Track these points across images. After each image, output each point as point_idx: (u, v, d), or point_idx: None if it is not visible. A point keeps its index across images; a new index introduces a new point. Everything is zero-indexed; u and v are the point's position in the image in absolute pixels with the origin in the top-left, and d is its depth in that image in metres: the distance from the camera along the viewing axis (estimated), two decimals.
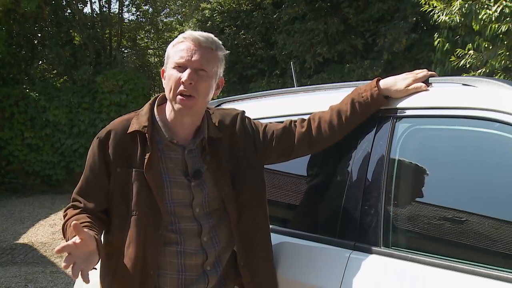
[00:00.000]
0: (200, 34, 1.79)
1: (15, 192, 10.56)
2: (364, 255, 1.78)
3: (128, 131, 1.82)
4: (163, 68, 1.87)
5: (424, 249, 1.70)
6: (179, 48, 1.79)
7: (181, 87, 1.75)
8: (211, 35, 1.83)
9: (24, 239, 7.17)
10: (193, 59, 1.76)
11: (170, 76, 1.79)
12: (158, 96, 1.93)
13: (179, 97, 1.76)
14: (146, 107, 1.90)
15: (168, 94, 1.80)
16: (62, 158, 10.89)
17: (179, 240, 1.81)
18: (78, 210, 1.81)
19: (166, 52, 1.85)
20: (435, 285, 1.58)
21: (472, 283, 1.51)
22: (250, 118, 2.01)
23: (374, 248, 1.77)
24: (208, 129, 1.87)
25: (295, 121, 2.01)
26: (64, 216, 1.86)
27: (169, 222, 1.80)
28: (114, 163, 1.80)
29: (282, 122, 2.03)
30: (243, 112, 2.01)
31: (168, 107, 1.85)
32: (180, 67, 1.77)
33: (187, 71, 1.75)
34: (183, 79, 1.74)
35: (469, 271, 1.53)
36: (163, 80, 1.86)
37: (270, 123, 2.02)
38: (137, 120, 1.84)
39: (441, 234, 1.75)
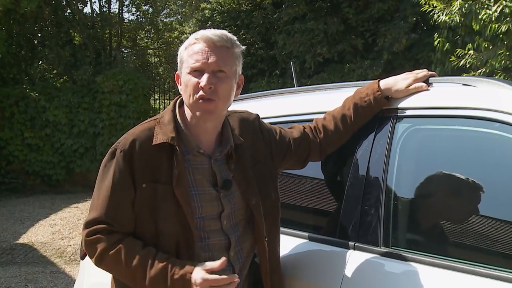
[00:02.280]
0: (213, 33, 1.67)
1: (15, 192, 10.54)
2: (364, 255, 1.78)
3: (154, 143, 1.67)
4: (177, 72, 1.76)
5: (424, 249, 1.70)
6: (193, 51, 1.67)
7: (201, 93, 1.64)
8: (225, 32, 1.71)
9: (24, 239, 7.17)
10: (209, 61, 1.65)
11: (187, 82, 1.67)
12: (176, 100, 1.79)
13: (200, 101, 1.65)
14: (167, 114, 1.75)
15: (187, 100, 1.69)
16: (62, 158, 10.87)
17: (208, 258, 1.68)
18: (117, 236, 1.65)
19: (178, 55, 1.74)
20: (435, 285, 1.58)
21: (472, 283, 1.51)
22: (264, 123, 1.95)
23: (374, 248, 1.77)
24: (232, 135, 1.78)
25: (305, 128, 1.98)
26: (94, 241, 1.65)
27: (198, 238, 1.69)
28: (140, 178, 1.65)
29: (291, 127, 2.01)
30: (259, 116, 1.95)
31: (188, 113, 1.74)
32: (197, 71, 1.66)
33: (205, 75, 1.64)
34: (202, 85, 1.63)
35: (469, 271, 1.54)
36: (178, 86, 1.75)
37: (282, 129, 1.98)
38: (161, 130, 1.70)
39: (441, 234, 1.75)
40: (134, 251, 1.63)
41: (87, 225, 1.69)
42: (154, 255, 1.63)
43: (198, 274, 1.56)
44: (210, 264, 1.58)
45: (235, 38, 1.73)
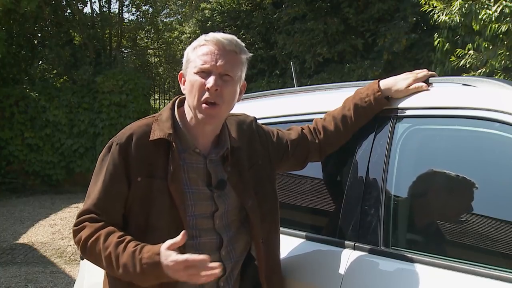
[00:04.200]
0: (223, 37, 1.69)
1: (15, 192, 10.54)
2: (364, 255, 1.78)
3: (151, 138, 1.69)
4: (181, 72, 1.76)
5: (424, 249, 1.70)
6: (202, 52, 1.68)
7: (206, 94, 1.65)
8: (234, 38, 1.73)
9: (24, 239, 7.17)
10: (218, 64, 1.66)
11: (193, 82, 1.68)
12: (176, 99, 1.81)
13: (203, 105, 1.66)
14: (166, 112, 1.77)
15: (191, 101, 1.69)
16: (62, 158, 10.88)
17: None
18: (100, 224, 1.64)
19: (185, 55, 1.75)
20: (435, 285, 1.58)
21: (472, 283, 1.51)
22: (261, 125, 1.96)
23: (374, 248, 1.77)
24: (229, 138, 1.79)
25: (304, 130, 1.98)
26: (79, 230, 1.67)
27: (190, 237, 1.66)
28: (135, 172, 1.66)
29: (289, 129, 2.01)
30: (256, 118, 1.96)
31: (189, 113, 1.75)
32: (204, 73, 1.67)
33: (212, 77, 1.65)
34: (208, 85, 1.64)
35: (469, 271, 1.53)
36: (181, 85, 1.76)
37: (280, 130, 1.98)
38: (159, 126, 1.71)
39: (441, 234, 1.75)
40: (111, 238, 1.61)
41: (77, 216, 1.71)
42: (127, 242, 1.58)
43: (168, 257, 1.50)
44: (172, 241, 1.51)
45: (243, 44, 1.75)
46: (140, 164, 1.68)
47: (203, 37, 1.72)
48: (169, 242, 1.52)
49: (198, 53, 1.70)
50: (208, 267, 1.48)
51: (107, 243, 1.60)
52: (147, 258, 1.53)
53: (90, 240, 1.64)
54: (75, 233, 1.69)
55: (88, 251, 1.66)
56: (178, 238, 1.51)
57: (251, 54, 1.79)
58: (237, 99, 1.78)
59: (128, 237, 1.61)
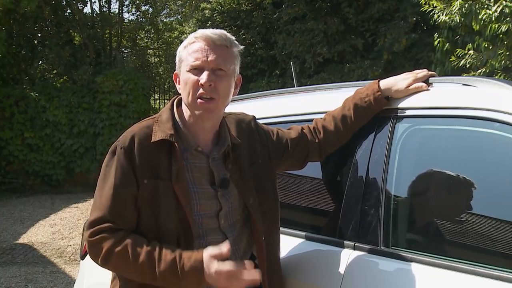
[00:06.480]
0: (212, 32, 1.69)
1: (15, 192, 10.54)
2: (364, 255, 1.78)
3: (153, 140, 1.68)
4: (175, 72, 1.77)
5: (424, 249, 1.70)
6: (192, 49, 1.69)
7: (201, 90, 1.66)
8: (224, 32, 1.72)
9: (24, 239, 7.17)
10: (209, 59, 1.67)
11: (186, 79, 1.69)
12: (174, 100, 1.81)
13: (199, 100, 1.67)
14: (165, 113, 1.77)
15: (186, 98, 1.71)
16: (62, 158, 10.87)
17: None
18: (121, 233, 1.63)
19: (177, 55, 1.76)
20: (435, 285, 1.58)
21: (472, 283, 1.51)
22: (261, 124, 1.96)
23: (374, 248, 1.77)
24: (229, 135, 1.80)
25: (304, 129, 1.99)
26: (98, 241, 1.63)
27: (197, 236, 1.70)
28: (141, 174, 1.66)
29: (289, 128, 2.01)
30: (255, 117, 1.96)
31: (186, 111, 1.75)
32: (196, 69, 1.67)
33: (205, 72, 1.66)
34: (202, 82, 1.65)
35: (469, 271, 1.54)
36: (177, 85, 1.77)
37: (280, 129, 1.98)
38: (160, 127, 1.71)
39: (441, 234, 1.75)
40: (140, 246, 1.61)
41: (90, 225, 1.67)
42: (160, 249, 1.60)
43: (211, 266, 1.54)
44: (216, 250, 1.55)
45: (233, 38, 1.75)
46: (144, 166, 1.67)
47: (192, 35, 1.72)
48: (212, 251, 1.55)
49: (189, 50, 1.70)
50: (247, 274, 1.54)
51: (138, 253, 1.60)
52: (190, 267, 1.56)
53: (116, 250, 1.61)
54: (94, 244, 1.65)
55: (113, 261, 1.64)
56: (224, 249, 1.54)
57: (242, 47, 1.79)
58: (233, 93, 1.78)
59: (158, 244, 1.62)
